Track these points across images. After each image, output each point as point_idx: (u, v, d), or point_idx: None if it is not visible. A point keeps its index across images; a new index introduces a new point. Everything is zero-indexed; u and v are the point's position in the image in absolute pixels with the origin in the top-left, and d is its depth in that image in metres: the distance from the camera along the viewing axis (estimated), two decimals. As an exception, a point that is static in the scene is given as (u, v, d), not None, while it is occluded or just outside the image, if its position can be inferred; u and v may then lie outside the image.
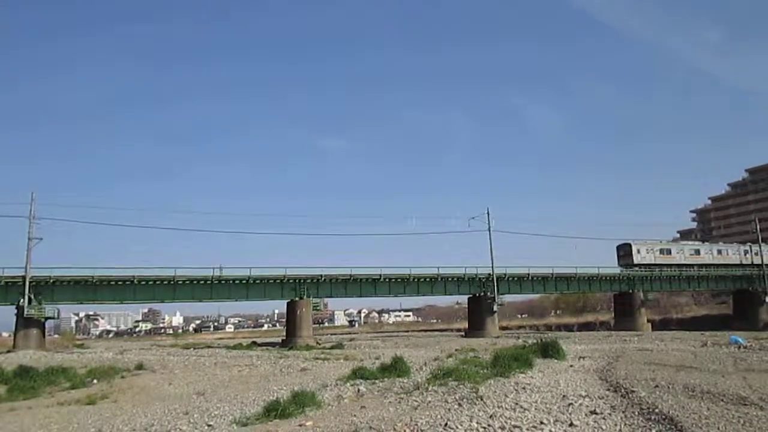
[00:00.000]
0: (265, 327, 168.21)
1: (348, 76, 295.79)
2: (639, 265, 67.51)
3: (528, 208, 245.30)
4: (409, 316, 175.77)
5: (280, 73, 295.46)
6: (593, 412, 9.71)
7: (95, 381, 20.05)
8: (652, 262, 68.54)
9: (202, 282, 52.69)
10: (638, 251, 68.07)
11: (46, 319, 49.52)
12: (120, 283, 50.65)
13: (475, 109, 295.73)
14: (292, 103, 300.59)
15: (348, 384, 15.49)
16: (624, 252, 68.86)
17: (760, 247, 72.56)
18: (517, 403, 10.66)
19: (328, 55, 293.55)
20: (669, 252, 70.47)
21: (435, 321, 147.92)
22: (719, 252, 73.67)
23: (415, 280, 59.50)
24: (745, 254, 74.49)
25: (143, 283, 51.13)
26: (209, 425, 10.74)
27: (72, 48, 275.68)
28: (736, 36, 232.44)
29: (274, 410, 10.99)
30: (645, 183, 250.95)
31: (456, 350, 29.90)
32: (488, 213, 60.79)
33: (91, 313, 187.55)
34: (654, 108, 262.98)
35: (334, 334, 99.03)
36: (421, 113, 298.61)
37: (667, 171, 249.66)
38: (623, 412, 9.84)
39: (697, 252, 72.27)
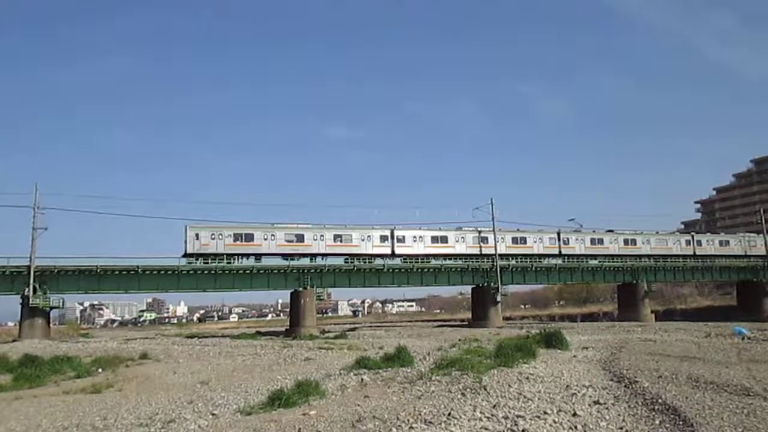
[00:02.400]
0: (269, 317, 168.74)
1: (354, 66, 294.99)
2: (196, 255, 52.20)
3: (530, 198, 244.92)
4: (412, 306, 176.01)
5: (285, 63, 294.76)
6: (597, 402, 9.71)
7: (100, 370, 20.14)
8: (221, 251, 52.72)
9: (206, 272, 52.81)
10: (196, 237, 52.19)
11: (51, 308, 49.76)
12: (124, 272, 50.83)
13: (482, 101, 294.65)
14: (297, 93, 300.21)
15: (352, 373, 15.54)
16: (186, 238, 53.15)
17: (765, 238, 72.08)
18: (520, 393, 10.67)
19: (334, 46, 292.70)
20: (250, 238, 53.94)
21: (438, 311, 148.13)
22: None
23: (419, 270, 59.44)
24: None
25: (147, 272, 51.28)
26: (213, 414, 10.78)
27: (72, 39, 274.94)
28: (747, 25, 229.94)
29: (278, 399, 11.05)
30: (650, 174, 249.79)
31: (459, 340, 29.91)
32: (492, 203, 60.51)
33: (95, 302, 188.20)
34: (661, 99, 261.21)
35: (338, 324, 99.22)
36: (425, 104, 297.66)
37: (674, 162, 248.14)
38: (626, 402, 9.85)
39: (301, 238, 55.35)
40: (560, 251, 64.66)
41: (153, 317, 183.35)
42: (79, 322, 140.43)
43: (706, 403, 9.28)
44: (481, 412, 8.87)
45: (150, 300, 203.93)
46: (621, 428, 7.97)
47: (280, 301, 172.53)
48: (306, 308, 54.19)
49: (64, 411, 11.54)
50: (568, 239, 64.94)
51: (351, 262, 56.34)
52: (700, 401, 9.50)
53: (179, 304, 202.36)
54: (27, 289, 46.31)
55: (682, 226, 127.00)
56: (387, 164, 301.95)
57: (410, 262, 59.00)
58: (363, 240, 57.04)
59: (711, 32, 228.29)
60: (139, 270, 50.84)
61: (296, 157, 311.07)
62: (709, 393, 10.37)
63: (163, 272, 51.78)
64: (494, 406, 9.37)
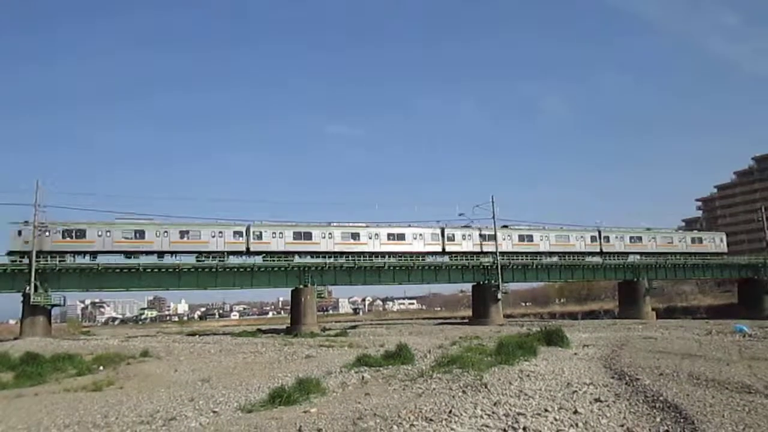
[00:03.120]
0: (270, 314, 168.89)
1: (354, 66, 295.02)
2: (20, 253, 48.82)
3: (531, 198, 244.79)
4: (413, 304, 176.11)
5: (285, 63, 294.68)
6: (597, 400, 9.71)
7: (101, 368, 20.18)
8: (47, 249, 48.81)
9: (206, 270, 52.87)
10: (19, 234, 48.34)
11: (52, 306, 49.85)
12: (125, 270, 50.86)
13: (482, 100, 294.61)
14: (297, 93, 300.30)
15: (352, 371, 15.56)
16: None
17: (766, 236, 72.01)
18: (521, 391, 10.67)
19: (338, 45, 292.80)
20: (82, 235, 50.24)
21: (439, 309, 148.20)
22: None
23: (420, 268, 59.50)
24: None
25: (148, 270, 51.32)
26: (214, 412, 10.79)
27: (72, 39, 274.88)
28: (749, 23, 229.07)
29: (279, 397, 11.05)
30: (650, 174, 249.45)
31: (460, 338, 29.97)
32: (492, 201, 60.48)
33: (96, 300, 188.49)
34: (661, 98, 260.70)
35: (339, 321, 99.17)
36: (426, 103, 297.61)
37: (674, 162, 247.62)
38: (627, 399, 9.84)
39: None
40: (443, 248, 60.82)
41: (154, 315, 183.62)
42: (80, 319, 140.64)
43: (707, 401, 9.28)
44: (482, 410, 8.87)
45: (151, 298, 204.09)
46: (622, 425, 7.96)
47: (281, 298, 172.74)
48: (307, 306, 54.25)
49: (65, 409, 11.56)
50: (453, 235, 60.87)
51: (201, 260, 53.42)
52: (701, 399, 9.50)
53: (180, 302, 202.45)
54: (28, 287, 46.37)
55: (683, 224, 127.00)
56: (387, 163, 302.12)
57: (412, 261, 58.90)
58: (214, 237, 53.77)
59: (713, 31, 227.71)
60: (140, 268, 50.86)
61: (296, 156, 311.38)
62: (710, 390, 10.36)
63: (163, 270, 51.85)
64: (495, 404, 9.37)
